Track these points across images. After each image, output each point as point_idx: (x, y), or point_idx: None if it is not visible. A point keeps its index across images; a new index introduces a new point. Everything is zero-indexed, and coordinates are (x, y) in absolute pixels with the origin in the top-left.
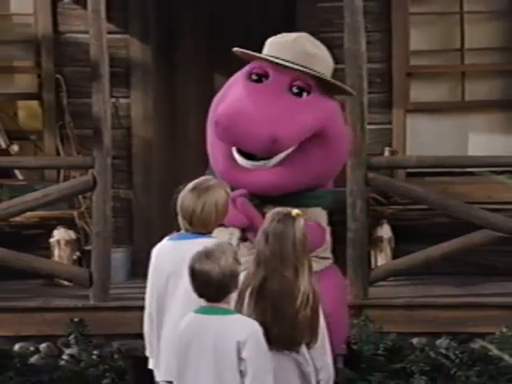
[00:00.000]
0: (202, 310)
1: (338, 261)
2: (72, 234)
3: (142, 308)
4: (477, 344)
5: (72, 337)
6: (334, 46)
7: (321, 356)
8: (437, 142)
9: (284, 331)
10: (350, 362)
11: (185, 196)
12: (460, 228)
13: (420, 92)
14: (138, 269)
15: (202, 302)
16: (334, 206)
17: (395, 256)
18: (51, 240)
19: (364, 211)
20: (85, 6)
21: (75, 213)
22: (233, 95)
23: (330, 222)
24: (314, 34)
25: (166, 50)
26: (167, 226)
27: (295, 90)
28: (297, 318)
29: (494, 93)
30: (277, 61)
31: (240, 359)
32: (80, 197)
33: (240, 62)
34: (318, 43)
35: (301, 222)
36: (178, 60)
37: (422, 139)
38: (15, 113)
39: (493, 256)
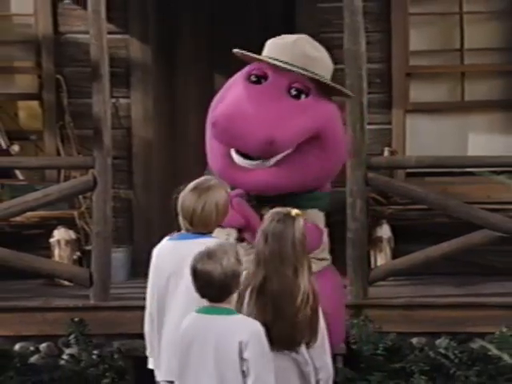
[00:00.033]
0: (204, 310)
1: (337, 261)
2: (72, 234)
3: (142, 308)
4: (476, 344)
5: (72, 336)
6: (333, 47)
7: (320, 355)
8: (436, 142)
9: (284, 331)
10: (349, 361)
11: (185, 196)
12: (460, 228)
13: (419, 92)
14: (138, 269)
15: (203, 302)
16: (333, 206)
17: (395, 256)
18: (51, 240)
19: (364, 211)
20: (85, 7)
21: (75, 213)
22: (231, 96)
23: (328, 223)
24: (313, 34)
25: (166, 50)
26: (167, 226)
27: (294, 92)
28: (296, 317)
29: (493, 93)
30: (275, 63)
31: (242, 359)
32: (80, 197)
33: (240, 62)
34: (318, 45)
35: (300, 222)
36: (178, 60)
37: (422, 139)
38: (16, 113)
39: (492, 256)
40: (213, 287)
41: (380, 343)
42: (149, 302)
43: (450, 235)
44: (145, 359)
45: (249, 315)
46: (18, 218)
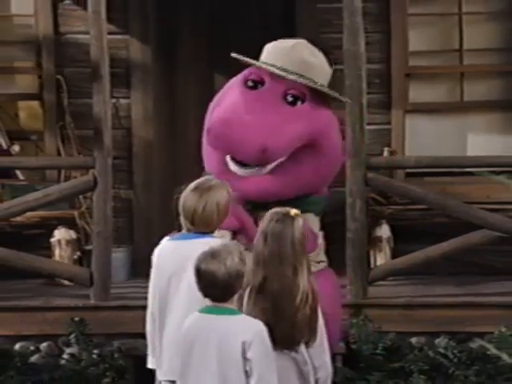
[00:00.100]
0: (207, 310)
1: (337, 261)
2: (73, 234)
3: (142, 307)
4: (475, 343)
5: (72, 336)
6: (333, 47)
7: (319, 355)
8: (436, 143)
9: (283, 330)
10: (348, 361)
11: (187, 196)
12: (459, 228)
13: (419, 92)
14: (139, 268)
15: (205, 302)
16: (333, 206)
17: (394, 256)
18: (52, 240)
19: (363, 211)
20: (85, 7)
21: (76, 213)
22: (227, 102)
23: (325, 224)
24: (313, 34)
25: (166, 50)
26: (167, 226)
27: (290, 98)
28: (296, 316)
29: (492, 93)
30: (272, 69)
31: (245, 359)
32: (81, 197)
33: (240, 63)
34: (316, 50)
35: (299, 222)
36: (178, 60)
37: (421, 139)
38: (16, 113)
39: (492, 256)
40: (216, 287)
41: (379, 343)
42: (150, 302)
43: (449, 235)
44: (145, 358)
45: (248, 315)
46: (18, 218)
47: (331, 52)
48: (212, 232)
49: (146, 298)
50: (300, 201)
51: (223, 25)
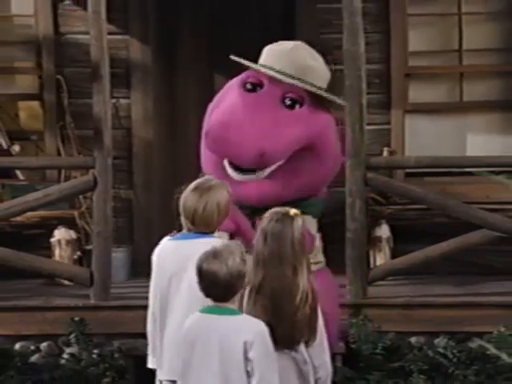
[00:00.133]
0: (208, 310)
1: (337, 260)
2: (73, 234)
3: (142, 307)
4: (475, 343)
5: (73, 336)
6: (332, 47)
7: (319, 354)
8: (435, 143)
9: (283, 330)
10: (348, 360)
11: (187, 196)
12: (458, 228)
13: (418, 93)
14: (139, 268)
15: (206, 302)
16: (333, 206)
17: (394, 256)
18: (52, 240)
19: (363, 211)
20: (85, 7)
21: (76, 213)
22: (226, 104)
23: (324, 224)
24: (313, 34)
25: (166, 50)
26: (167, 226)
27: (288, 101)
28: (296, 316)
29: (492, 93)
30: (269, 73)
31: (247, 359)
32: (81, 197)
33: (240, 63)
34: (315, 53)
35: (299, 222)
36: (178, 60)
37: (421, 139)
38: (16, 113)
39: (491, 256)
40: (218, 287)
41: (379, 342)
42: (151, 302)
43: (448, 235)
44: (145, 358)
45: (248, 314)
46: (18, 218)
47: (330, 52)
48: (212, 232)
49: (146, 298)
50: (298, 203)
51: (223, 25)
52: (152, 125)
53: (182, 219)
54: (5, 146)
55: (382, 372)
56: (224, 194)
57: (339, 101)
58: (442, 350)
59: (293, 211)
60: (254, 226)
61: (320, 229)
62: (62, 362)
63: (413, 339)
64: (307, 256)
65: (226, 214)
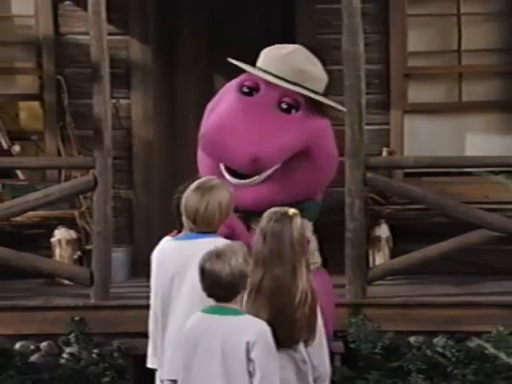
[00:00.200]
0: (210, 310)
1: (336, 260)
2: (73, 234)
3: (142, 307)
4: (473, 343)
5: (72, 335)
6: (332, 48)
7: (318, 354)
8: (434, 143)
9: (283, 329)
10: (347, 360)
11: (188, 196)
12: (457, 228)
13: (417, 93)
14: (139, 268)
15: (208, 302)
16: (332, 206)
17: (393, 255)
18: (52, 239)
19: (362, 211)
20: (85, 8)
21: (76, 213)
22: (222, 108)
23: (320, 226)
24: (312, 35)
25: (166, 50)
26: (167, 226)
27: (284, 106)
28: (295, 316)
29: (490, 94)
30: (266, 77)
31: (249, 360)
32: (81, 197)
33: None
34: (312, 58)
35: (298, 221)
36: (177, 60)
37: (420, 140)
38: (17, 114)
39: (490, 255)
40: (220, 287)
41: (378, 342)
42: (153, 302)
43: (447, 235)
44: (145, 358)
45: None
46: (18, 218)
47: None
48: (214, 232)
49: (146, 298)
50: (294, 207)
51: (223, 25)
52: (152, 125)
53: (184, 219)
54: (5, 146)
55: (381, 371)
56: (225, 194)
57: (336, 105)
58: (440, 350)
59: (292, 211)
60: (249, 230)
61: (316, 230)
62: (62, 361)
63: (412, 339)
64: (306, 255)
65: (227, 213)
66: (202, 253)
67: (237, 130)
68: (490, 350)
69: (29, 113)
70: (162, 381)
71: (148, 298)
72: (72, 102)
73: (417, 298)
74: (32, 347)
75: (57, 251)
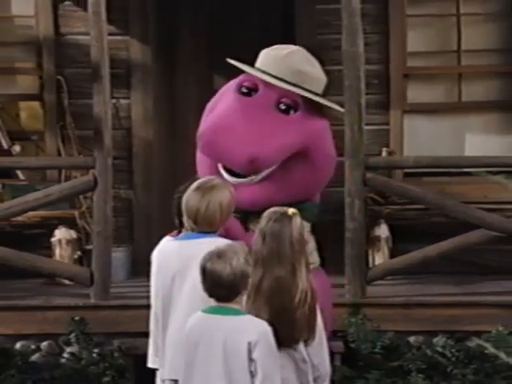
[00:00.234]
0: (211, 310)
1: (336, 260)
2: (73, 234)
3: (142, 306)
4: (473, 342)
5: (73, 335)
6: (332, 48)
7: (318, 353)
8: (434, 143)
9: (283, 329)
10: (347, 359)
11: (189, 196)
12: (457, 227)
13: (417, 93)
14: (139, 268)
15: (209, 302)
16: (332, 206)
17: (393, 255)
18: (52, 239)
19: (362, 211)
20: (85, 8)
21: (76, 212)
22: (221, 108)
23: (318, 227)
24: (312, 35)
25: (166, 50)
26: (167, 226)
27: (282, 106)
28: (295, 315)
29: (490, 94)
30: (264, 77)
31: (251, 360)
32: (81, 197)
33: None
34: (311, 59)
35: (297, 221)
36: (177, 60)
37: (419, 140)
38: (17, 114)
39: (489, 255)
40: (222, 287)
41: (378, 342)
42: (153, 302)
43: (447, 235)
44: (145, 358)
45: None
46: (19, 218)
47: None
48: (215, 231)
49: (146, 298)
50: (292, 207)
51: (223, 25)
52: (152, 125)
53: (185, 219)
54: (5, 146)
55: (380, 371)
56: (226, 194)
57: (335, 106)
58: (440, 349)
59: (291, 210)
60: (247, 230)
61: (314, 230)
62: (63, 361)
63: (411, 338)
64: (306, 255)
65: (228, 213)
66: (203, 253)
67: (235, 131)
68: (490, 349)
69: (29, 113)
70: (163, 380)
71: (148, 297)
72: (72, 102)
73: (416, 298)
74: (32, 347)
75: (57, 251)
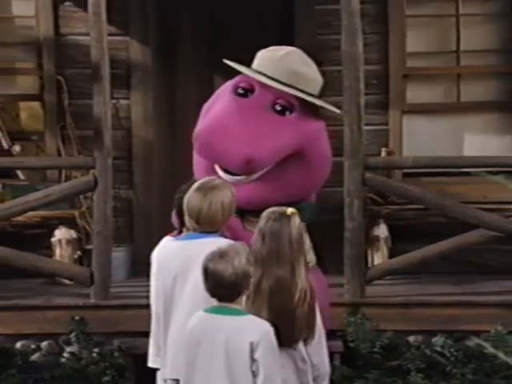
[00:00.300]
0: (213, 310)
1: (335, 260)
2: (73, 234)
3: (142, 306)
4: (472, 342)
5: (73, 335)
6: (331, 48)
7: (317, 352)
8: (433, 143)
9: (282, 328)
10: (346, 359)
11: (190, 196)
12: (456, 227)
13: (416, 93)
14: (139, 268)
15: (210, 302)
16: (331, 206)
17: (392, 255)
18: (53, 239)
19: (361, 211)
20: (86, 9)
21: (76, 212)
22: (217, 109)
23: (317, 227)
24: (311, 35)
25: (166, 50)
26: (167, 226)
27: (278, 107)
28: (295, 314)
29: (489, 94)
30: (260, 78)
31: (253, 360)
32: (81, 197)
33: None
34: (307, 60)
35: (296, 220)
36: (177, 60)
37: (419, 140)
38: (17, 114)
39: (488, 255)
40: (223, 287)
41: (377, 341)
42: (155, 302)
43: (446, 235)
44: (145, 357)
45: None
46: (19, 218)
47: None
48: (217, 231)
49: (146, 297)
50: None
51: (223, 25)
52: (152, 125)
53: (186, 219)
54: (6, 146)
55: (380, 370)
56: (227, 194)
57: (330, 107)
58: (439, 349)
59: (290, 210)
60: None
61: (308, 230)
62: (63, 360)
63: (411, 338)
64: (305, 254)
65: (229, 213)
66: (205, 253)
67: (230, 132)
68: (489, 349)
69: (29, 113)
70: (164, 380)
71: (148, 297)
72: (72, 103)
73: (415, 298)
74: (33, 346)
75: (57, 251)
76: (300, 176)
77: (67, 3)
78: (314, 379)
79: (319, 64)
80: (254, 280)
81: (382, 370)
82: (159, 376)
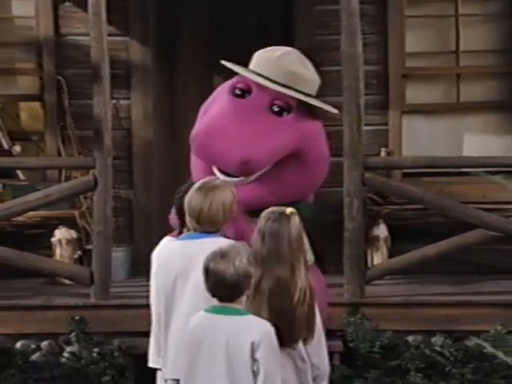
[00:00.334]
0: (214, 310)
1: (334, 260)
2: (73, 234)
3: (142, 306)
4: (471, 342)
5: (73, 335)
6: (331, 49)
7: (317, 352)
8: (432, 143)
9: (282, 328)
10: (346, 359)
11: (191, 196)
12: (455, 227)
13: (416, 93)
14: (139, 267)
15: (211, 302)
16: (331, 206)
17: (391, 255)
18: (53, 239)
19: (361, 211)
20: (85, 9)
21: (76, 212)
22: (214, 110)
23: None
24: (311, 36)
25: (166, 50)
26: (167, 226)
27: (276, 108)
28: (294, 314)
29: (488, 94)
30: (257, 79)
31: (254, 360)
32: (81, 197)
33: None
34: (305, 60)
35: (296, 220)
36: (177, 60)
37: (418, 140)
38: (17, 114)
39: (488, 255)
40: (225, 287)
41: (376, 341)
42: (155, 302)
43: (446, 235)
44: (145, 357)
45: None
46: (19, 218)
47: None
48: (218, 231)
49: (146, 297)
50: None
51: (223, 25)
52: (152, 125)
53: (187, 219)
54: (6, 146)
55: (379, 370)
56: (228, 194)
57: (328, 108)
58: (438, 349)
59: (289, 210)
60: None
61: (306, 230)
62: (63, 360)
63: (410, 338)
64: (304, 254)
65: (230, 213)
66: (206, 252)
67: (227, 133)
68: (488, 349)
69: (29, 113)
70: (165, 380)
71: (148, 297)
72: (72, 103)
73: (415, 298)
74: (33, 346)
75: (57, 251)
76: (298, 177)
77: (67, 3)
78: (314, 379)
79: (317, 64)
80: (254, 280)
81: (381, 370)
82: (159, 376)
